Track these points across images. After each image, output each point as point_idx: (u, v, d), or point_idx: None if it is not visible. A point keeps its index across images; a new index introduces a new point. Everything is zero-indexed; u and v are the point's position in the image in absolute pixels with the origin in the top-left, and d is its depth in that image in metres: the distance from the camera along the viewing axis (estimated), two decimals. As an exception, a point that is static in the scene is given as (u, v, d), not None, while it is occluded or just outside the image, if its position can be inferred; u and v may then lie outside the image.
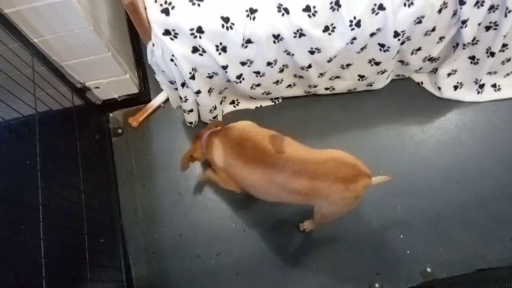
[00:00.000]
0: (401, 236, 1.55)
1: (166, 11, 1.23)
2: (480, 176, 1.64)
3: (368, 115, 1.75)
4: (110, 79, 1.56)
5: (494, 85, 1.74)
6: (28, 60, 1.24)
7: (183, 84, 1.46)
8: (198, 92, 1.47)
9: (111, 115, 1.80)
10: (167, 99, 1.78)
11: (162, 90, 1.76)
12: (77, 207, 1.36)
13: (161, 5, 1.24)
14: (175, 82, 1.46)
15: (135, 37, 1.80)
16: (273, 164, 1.16)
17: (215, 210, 1.63)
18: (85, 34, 1.26)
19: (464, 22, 1.39)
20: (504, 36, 1.44)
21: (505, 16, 1.37)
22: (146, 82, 1.82)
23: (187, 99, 1.54)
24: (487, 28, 1.46)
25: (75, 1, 1.14)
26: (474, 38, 1.49)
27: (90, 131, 1.63)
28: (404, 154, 1.69)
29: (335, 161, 1.13)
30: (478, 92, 1.74)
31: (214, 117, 1.69)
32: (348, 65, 1.55)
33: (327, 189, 1.12)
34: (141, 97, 1.76)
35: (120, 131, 1.77)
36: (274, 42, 1.34)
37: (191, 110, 1.63)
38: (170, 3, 1.24)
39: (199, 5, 1.25)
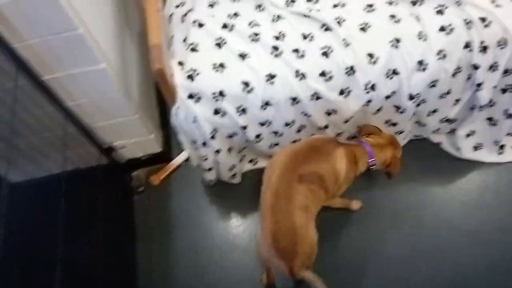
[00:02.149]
0: (429, 303, 1.47)
1: (191, 77, 1.31)
2: (507, 239, 1.57)
3: (388, 175, 1.74)
4: (136, 139, 1.63)
5: (515, 146, 1.73)
6: (61, 122, 1.32)
7: (204, 144, 1.51)
8: (218, 151, 1.51)
9: (134, 173, 1.85)
10: (188, 158, 1.83)
11: (183, 149, 1.81)
12: (95, 265, 1.36)
13: (187, 71, 1.32)
14: (196, 142, 1.51)
15: (160, 100, 1.90)
16: None
17: (231, 271, 1.60)
18: (116, 99, 1.35)
19: (479, 85, 1.42)
20: (521, 98, 1.46)
21: (520, 79, 1.40)
22: (169, 141, 1.89)
23: (207, 158, 1.58)
24: (503, 91, 1.49)
25: (108, 69, 1.24)
26: (491, 100, 1.51)
27: (113, 189, 1.68)
28: (427, 215, 1.64)
29: None
30: (499, 153, 1.72)
31: (233, 175, 1.72)
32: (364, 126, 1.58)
33: None
34: (164, 156, 1.82)
35: (141, 189, 1.81)
36: (292, 104, 1.39)
37: (211, 169, 1.66)
38: (195, 70, 1.32)
39: (221, 71, 1.33)
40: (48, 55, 1.13)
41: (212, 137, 1.44)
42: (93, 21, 1.18)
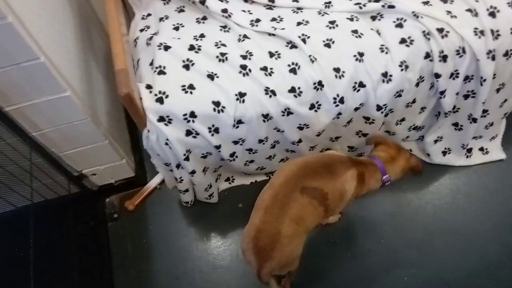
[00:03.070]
0: (411, 311, 1.48)
1: (160, 100, 1.30)
2: (483, 240, 1.61)
3: (362, 184, 1.76)
4: (107, 165, 1.60)
5: (481, 149, 1.79)
6: (26, 152, 1.27)
7: (178, 166, 1.49)
8: (193, 172, 1.50)
9: (107, 200, 1.80)
10: (163, 181, 1.80)
11: (157, 172, 1.79)
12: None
13: (155, 95, 1.31)
14: (170, 164, 1.49)
15: (131, 123, 1.87)
16: None
17: (213, 294, 1.57)
18: (84, 125, 1.32)
19: (442, 92, 1.47)
20: (483, 103, 1.51)
21: (481, 85, 1.45)
22: (142, 165, 1.86)
23: (182, 180, 1.56)
24: (466, 97, 1.54)
25: (74, 97, 1.22)
26: (455, 107, 1.57)
27: (85, 218, 1.63)
28: (404, 222, 1.67)
29: None
30: (467, 156, 1.78)
31: (210, 195, 1.70)
32: (337, 137, 1.60)
33: None
34: (138, 180, 1.78)
35: (116, 215, 1.76)
36: (264, 121, 1.40)
37: (187, 190, 1.64)
38: (164, 93, 1.31)
39: (191, 92, 1.33)
40: (8, 86, 1.09)
41: (186, 159, 1.43)
42: (54, 49, 1.16)
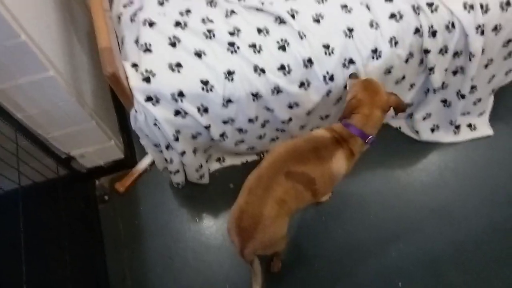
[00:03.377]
0: (400, 284, 1.51)
1: (147, 79, 1.28)
2: (469, 215, 1.64)
3: (352, 162, 1.78)
4: (95, 147, 1.58)
5: (469, 125, 1.81)
6: (12, 135, 1.25)
7: (167, 147, 1.48)
8: (183, 153, 1.49)
9: (97, 182, 1.78)
10: (153, 162, 1.79)
11: (147, 153, 1.77)
12: (63, 282, 1.30)
13: (142, 73, 1.29)
14: (159, 145, 1.48)
15: (118, 104, 1.84)
16: None
17: (206, 272, 1.58)
18: (69, 106, 1.29)
19: (431, 69, 1.47)
20: (472, 79, 1.52)
21: (470, 60, 1.45)
22: (132, 146, 1.84)
23: (172, 161, 1.55)
24: (454, 73, 1.55)
25: (57, 76, 1.18)
26: (444, 83, 1.57)
27: (75, 200, 1.61)
28: (392, 198, 1.69)
29: None
30: (455, 133, 1.79)
31: (201, 176, 1.70)
32: (327, 116, 1.60)
33: None
34: (127, 162, 1.77)
35: (106, 197, 1.75)
36: (253, 100, 1.39)
37: (177, 171, 1.63)
38: (151, 71, 1.29)
39: (179, 71, 1.30)
40: (-11, 66, 1.06)
41: (176, 139, 1.41)
42: (35, 27, 1.12)
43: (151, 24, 1.36)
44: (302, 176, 1.23)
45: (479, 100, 1.72)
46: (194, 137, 1.48)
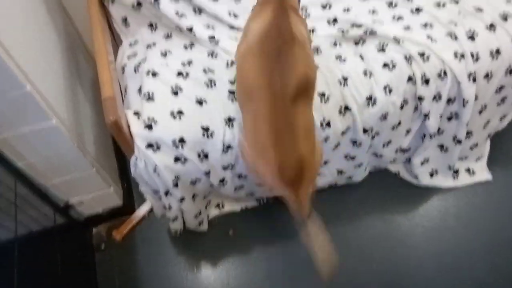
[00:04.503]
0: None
1: (149, 126, 1.30)
2: (472, 260, 1.61)
3: (352, 208, 1.77)
4: (94, 194, 1.57)
5: (468, 170, 1.81)
6: (11, 184, 1.24)
7: (166, 193, 1.47)
8: (182, 199, 1.48)
9: (94, 230, 1.75)
10: (151, 209, 1.77)
11: (146, 200, 1.76)
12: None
13: (144, 121, 1.31)
14: (158, 191, 1.47)
15: (119, 151, 1.85)
16: None
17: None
18: (70, 153, 1.30)
19: (426, 115, 1.50)
20: (467, 124, 1.55)
21: (464, 106, 1.49)
22: (131, 193, 1.83)
23: (171, 207, 1.53)
24: (449, 119, 1.58)
25: (60, 124, 1.21)
26: (439, 128, 1.60)
27: (71, 249, 1.58)
28: (394, 244, 1.66)
29: None
30: (454, 178, 1.80)
31: (200, 223, 1.68)
32: (325, 162, 1.61)
33: None
34: (126, 209, 1.75)
35: (103, 246, 1.71)
36: (253, 146, 1.40)
37: (176, 218, 1.61)
38: (153, 119, 1.31)
39: (180, 118, 1.33)
40: (-7, 116, 1.08)
41: (175, 185, 1.41)
42: (40, 77, 1.15)
43: (154, 74, 1.41)
44: (301, 86, 1.08)
45: (476, 145, 1.75)
46: (193, 183, 1.48)
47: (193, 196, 1.55)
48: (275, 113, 1.07)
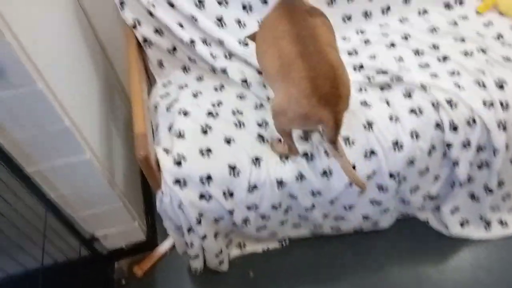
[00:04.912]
0: None
1: (178, 163, 1.34)
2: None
3: (378, 255, 1.70)
4: (119, 228, 1.59)
5: (500, 221, 1.73)
6: (42, 214, 1.29)
7: (189, 230, 1.48)
8: (204, 236, 1.48)
9: (116, 264, 1.76)
10: (173, 246, 1.77)
11: (168, 237, 1.76)
12: None
13: (174, 157, 1.35)
14: (181, 227, 1.48)
15: (146, 186, 1.90)
16: None
17: None
18: (100, 187, 1.35)
19: (455, 162, 1.47)
20: (498, 173, 1.50)
21: (494, 155, 1.45)
22: (154, 229, 1.84)
23: (193, 245, 1.53)
24: (480, 167, 1.54)
25: (93, 159, 1.26)
26: (469, 176, 1.55)
27: (93, 282, 1.58)
28: (424, 298, 1.58)
29: None
30: (486, 229, 1.71)
31: (220, 262, 1.66)
32: (350, 206, 1.58)
33: None
34: (148, 244, 1.76)
35: (123, 281, 1.71)
36: (278, 187, 1.41)
37: (197, 256, 1.60)
38: (182, 156, 1.35)
39: (208, 156, 1.37)
40: (32, 147, 1.14)
41: (199, 222, 1.42)
42: (78, 114, 1.22)
43: (186, 113, 1.47)
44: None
45: (508, 195, 1.68)
46: (216, 220, 1.48)
47: (216, 234, 1.54)
48: (294, 26, 1.08)
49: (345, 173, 1.24)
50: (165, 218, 1.53)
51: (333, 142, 1.12)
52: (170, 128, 1.46)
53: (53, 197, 1.32)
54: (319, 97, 1.03)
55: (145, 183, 1.90)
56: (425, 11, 1.81)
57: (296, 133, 1.43)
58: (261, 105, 1.53)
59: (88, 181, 1.31)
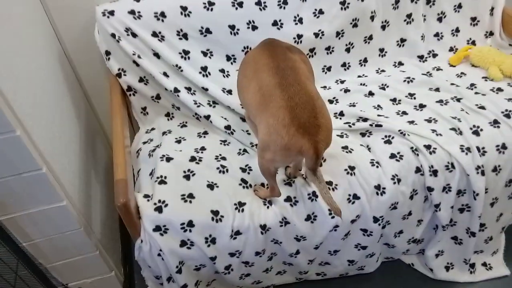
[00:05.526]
0: None
1: (159, 209, 1.30)
2: None
3: (365, 301, 1.66)
4: (95, 278, 1.52)
5: (484, 264, 1.73)
6: (13, 264, 1.22)
7: (169, 279, 1.42)
8: (185, 286, 1.42)
9: (89, 317, 1.66)
10: (152, 296, 1.69)
11: (147, 286, 1.68)
12: None
13: (154, 203, 1.32)
14: (160, 277, 1.42)
15: (124, 234, 1.84)
16: None
17: None
18: (76, 235, 1.29)
19: (437, 206, 1.49)
20: (479, 216, 1.52)
21: (475, 199, 1.48)
22: (132, 279, 1.76)
23: (172, 295, 1.47)
24: (461, 210, 1.55)
25: (70, 206, 1.22)
26: (452, 220, 1.57)
27: None
28: None
29: None
30: (471, 272, 1.71)
31: (202, 314, 1.58)
32: (335, 251, 1.56)
33: None
34: (125, 295, 1.67)
35: (97, 336, 1.60)
36: (262, 233, 1.38)
37: (177, 307, 1.53)
38: (163, 202, 1.32)
39: (190, 201, 1.34)
40: (6, 195, 1.10)
41: (178, 271, 1.37)
42: (57, 160, 1.20)
43: (168, 159, 1.46)
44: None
45: (490, 238, 1.69)
46: (197, 269, 1.43)
47: (196, 283, 1.48)
48: (274, 59, 1.13)
49: (322, 198, 1.26)
50: (143, 267, 1.47)
51: (313, 170, 1.13)
52: (151, 174, 1.44)
53: (26, 246, 1.26)
54: (297, 126, 1.03)
55: (123, 230, 1.84)
56: (400, 63, 1.91)
57: (280, 178, 1.43)
58: (245, 151, 1.54)
59: (63, 229, 1.26)
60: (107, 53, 1.57)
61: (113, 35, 1.54)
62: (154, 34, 1.60)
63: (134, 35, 1.57)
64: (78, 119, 1.56)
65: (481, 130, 1.48)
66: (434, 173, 1.42)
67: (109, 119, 1.53)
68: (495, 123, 1.51)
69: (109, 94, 1.59)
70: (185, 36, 1.64)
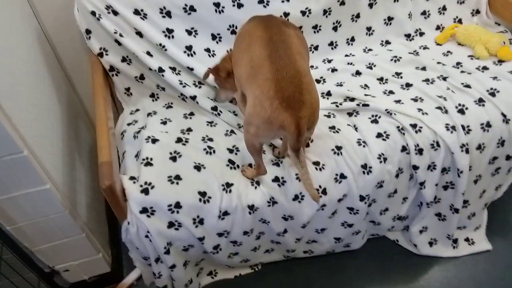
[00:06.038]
0: None
1: (145, 191, 1.29)
2: None
3: (351, 275, 1.71)
4: (82, 260, 1.51)
5: (467, 239, 1.78)
6: (-3, 248, 1.21)
7: (157, 260, 1.42)
8: (173, 266, 1.43)
9: (78, 299, 1.67)
10: (140, 277, 1.69)
11: (135, 267, 1.69)
12: None
13: (141, 185, 1.30)
14: (148, 258, 1.42)
15: (111, 216, 1.82)
16: None
17: None
18: (61, 218, 1.28)
19: (422, 183, 1.51)
20: (463, 193, 1.55)
21: (459, 176, 1.50)
22: (120, 260, 1.76)
23: (161, 275, 1.47)
24: (445, 188, 1.58)
25: (54, 189, 1.20)
26: (436, 197, 1.60)
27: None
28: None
29: None
30: (454, 247, 1.76)
31: (191, 292, 1.60)
32: (322, 229, 1.58)
33: None
34: (113, 276, 1.68)
35: (86, 317, 1.61)
36: (250, 213, 1.39)
37: (165, 287, 1.54)
38: (150, 183, 1.31)
39: (177, 183, 1.33)
40: (-13, 178, 1.08)
41: (166, 252, 1.37)
42: (39, 143, 1.17)
43: (154, 140, 1.43)
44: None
45: (473, 214, 1.73)
46: (186, 249, 1.44)
47: (185, 263, 1.49)
48: (268, 31, 1.12)
49: (302, 183, 1.24)
50: (131, 248, 1.47)
51: (296, 150, 1.10)
52: (137, 156, 1.42)
53: (10, 229, 1.24)
54: (281, 99, 1.02)
55: (110, 212, 1.83)
56: (387, 42, 1.89)
57: (268, 158, 1.42)
58: (232, 132, 1.53)
59: (47, 212, 1.24)
60: (88, 31, 1.52)
61: (93, 13, 1.48)
62: (136, 12, 1.54)
63: (115, 13, 1.51)
64: (59, 101, 1.51)
65: (466, 108, 1.50)
66: (420, 151, 1.43)
67: (92, 101, 1.49)
68: (480, 101, 1.52)
69: (91, 75, 1.55)
70: (168, 14, 1.59)
